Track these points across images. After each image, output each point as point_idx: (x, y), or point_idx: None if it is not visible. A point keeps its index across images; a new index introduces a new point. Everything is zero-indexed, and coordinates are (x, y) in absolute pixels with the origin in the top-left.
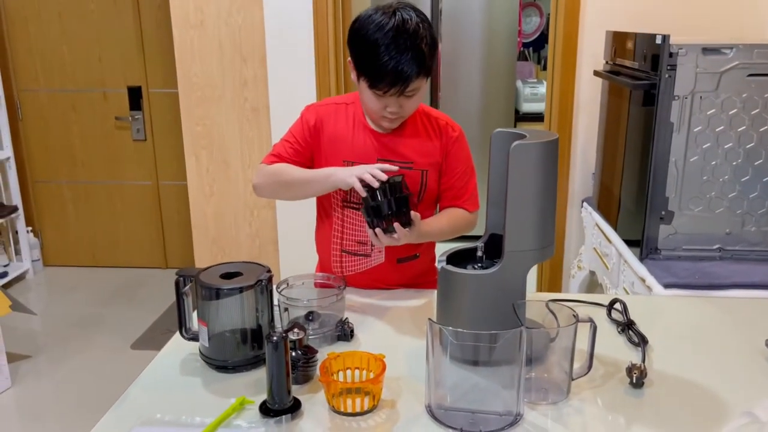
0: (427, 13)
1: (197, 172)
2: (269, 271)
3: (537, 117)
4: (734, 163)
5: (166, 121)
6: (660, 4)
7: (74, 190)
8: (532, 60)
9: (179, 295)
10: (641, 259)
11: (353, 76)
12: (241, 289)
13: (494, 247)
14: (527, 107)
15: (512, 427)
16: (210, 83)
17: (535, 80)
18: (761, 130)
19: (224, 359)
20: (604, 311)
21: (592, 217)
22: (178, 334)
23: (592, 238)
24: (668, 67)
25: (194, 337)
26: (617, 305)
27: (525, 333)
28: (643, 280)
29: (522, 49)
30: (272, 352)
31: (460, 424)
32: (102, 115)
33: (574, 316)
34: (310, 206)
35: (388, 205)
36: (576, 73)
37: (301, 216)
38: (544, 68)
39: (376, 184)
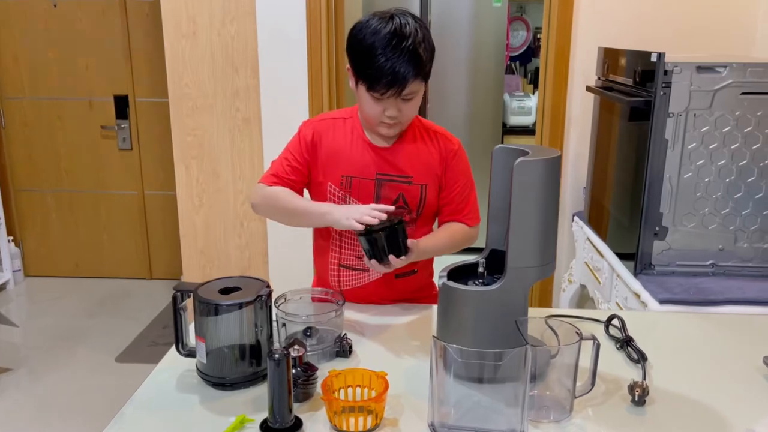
0: None
1: (186, 182)
2: (268, 286)
3: (524, 130)
4: (727, 180)
5: (153, 131)
6: (650, 21)
7: (58, 199)
8: (519, 73)
9: (176, 310)
10: (635, 274)
11: (352, 83)
12: (240, 305)
13: (495, 262)
14: (514, 120)
15: None
16: (201, 93)
17: (522, 94)
18: (754, 147)
19: (222, 376)
20: (601, 327)
21: (583, 231)
22: (173, 349)
23: (583, 252)
24: (663, 85)
25: (191, 353)
26: (615, 321)
27: (530, 351)
28: (638, 296)
29: (509, 62)
30: (274, 370)
31: None
32: (88, 124)
33: (577, 333)
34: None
35: (386, 244)
36: (567, 88)
37: (292, 228)
38: (531, 82)
39: (375, 222)
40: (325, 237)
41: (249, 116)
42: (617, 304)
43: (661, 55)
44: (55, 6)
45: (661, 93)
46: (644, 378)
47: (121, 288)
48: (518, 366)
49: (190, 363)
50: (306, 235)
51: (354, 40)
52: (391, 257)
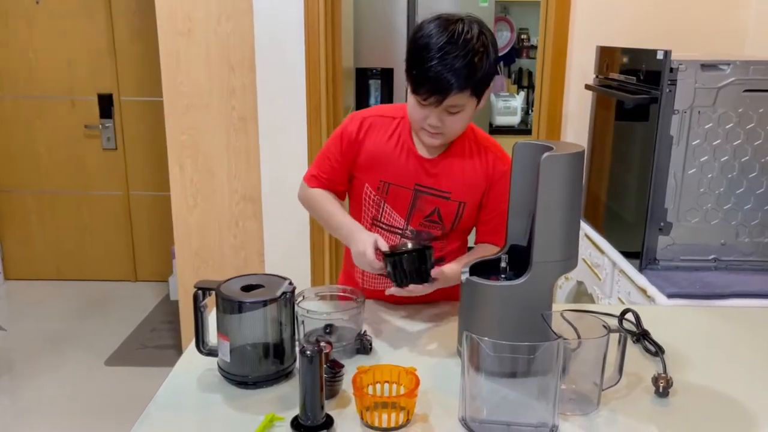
0: (402, 25)
1: (181, 182)
2: (291, 283)
3: (509, 130)
4: (729, 176)
5: (139, 130)
6: (643, 20)
7: (39, 200)
8: (503, 74)
9: (197, 309)
10: (641, 269)
11: (407, 84)
12: (264, 303)
13: (515, 258)
14: (500, 120)
15: None
16: (197, 92)
17: (507, 94)
18: (756, 144)
19: (245, 374)
20: (614, 322)
21: (581, 227)
22: (190, 349)
23: (580, 249)
24: (669, 82)
25: (211, 352)
26: (628, 315)
27: (563, 344)
28: (644, 291)
29: None
30: (307, 366)
31: None
32: (70, 123)
33: (604, 326)
34: (297, 217)
35: (409, 269)
36: (564, 86)
37: (289, 227)
38: (515, 82)
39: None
40: None
41: (245, 115)
42: (620, 299)
43: (667, 53)
44: (37, 2)
45: (667, 90)
46: (665, 370)
47: (106, 291)
48: (549, 359)
49: (210, 362)
50: (303, 235)
51: (412, 38)
52: (412, 285)
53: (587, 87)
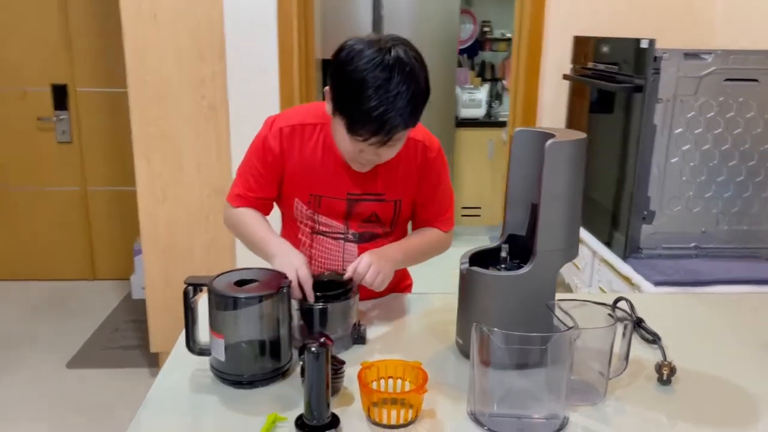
0: (368, 20)
1: (148, 175)
2: (285, 277)
3: (474, 122)
4: (710, 164)
5: (96, 122)
6: (615, 11)
7: None
8: (467, 66)
9: (187, 306)
10: (624, 258)
11: (328, 107)
12: (260, 298)
13: (512, 247)
14: (465, 113)
15: (561, 431)
16: (164, 81)
17: (472, 86)
18: (735, 132)
19: (241, 374)
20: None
21: None
22: (177, 348)
23: None
24: (653, 71)
25: (203, 351)
26: (621, 304)
27: (574, 334)
28: (628, 279)
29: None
30: (312, 364)
31: (510, 431)
32: (21, 116)
33: (610, 315)
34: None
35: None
36: (540, 77)
37: None
38: (479, 75)
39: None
40: (294, 244)
41: (215, 104)
42: (600, 288)
43: (651, 42)
44: None
45: (651, 79)
46: (665, 357)
47: (63, 290)
48: (559, 350)
49: (199, 362)
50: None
51: (341, 68)
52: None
53: (565, 77)
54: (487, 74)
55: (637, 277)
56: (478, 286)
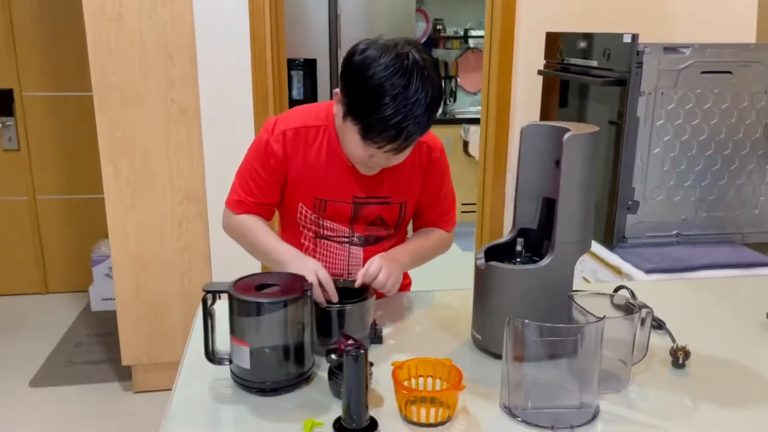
0: (324, 19)
1: (116, 182)
2: (305, 280)
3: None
4: (689, 154)
5: (44, 128)
6: (582, 4)
7: None
8: None
9: (206, 314)
10: (612, 248)
11: (338, 109)
12: (285, 303)
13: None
14: None
15: (596, 419)
16: (131, 83)
17: None
18: (711, 123)
19: (266, 380)
20: (608, 299)
21: None
22: (189, 359)
23: None
24: (636, 65)
25: (223, 360)
26: (621, 292)
27: (605, 324)
28: (616, 269)
29: None
30: (352, 366)
31: (547, 422)
32: None
33: (631, 304)
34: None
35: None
36: (513, 73)
37: None
38: None
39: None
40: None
41: (186, 107)
42: (584, 279)
43: (635, 37)
44: None
45: (635, 73)
46: (674, 342)
47: (14, 306)
48: (590, 340)
49: (216, 371)
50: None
51: (356, 73)
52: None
53: (540, 72)
54: (441, 72)
55: (626, 266)
56: (497, 281)
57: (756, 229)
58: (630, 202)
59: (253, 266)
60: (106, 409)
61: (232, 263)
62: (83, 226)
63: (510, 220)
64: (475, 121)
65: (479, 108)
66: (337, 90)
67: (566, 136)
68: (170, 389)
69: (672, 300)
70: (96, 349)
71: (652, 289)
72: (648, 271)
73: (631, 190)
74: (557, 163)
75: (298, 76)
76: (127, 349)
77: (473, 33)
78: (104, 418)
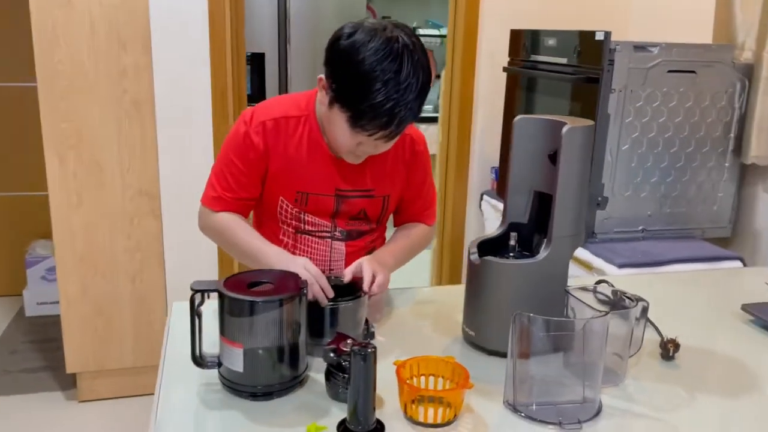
0: (273, 14)
1: (61, 177)
2: (298, 276)
3: None
4: (655, 151)
5: None
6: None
7: None
8: None
9: (194, 315)
10: (582, 244)
11: (322, 96)
12: (281, 301)
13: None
14: None
15: (600, 414)
16: (79, 72)
17: None
18: (676, 121)
19: (259, 384)
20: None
21: (495, 208)
22: (168, 365)
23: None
24: (608, 62)
25: (213, 364)
26: (602, 286)
27: (609, 318)
28: (587, 264)
29: None
30: (359, 366)
31: (552, 418)
32: None
33: (627, 297)
34: None
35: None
36: (476, 70)
37: (192, 224)
38: None
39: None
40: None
41: (139, 99)
42: None
43: (607, 34)
44: None
45: (607, 70)
46: (660, 335)
47: None
48: (595, 334)
49: (201, 375)
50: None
51: (344, 58)
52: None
53: (505, 69)
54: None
55: (597, 261)
56: (492, 276)
57: (714, 224)
58: (600, 198)
59: (210, 268)
60: (49, 419)
61: (187, 261)
62: (16, 226)
63: (473, 218)
64: (428, 120)
65: (430, 107)
66: (321, 76)
67: (565, 129)
68: (120, 397)
69: (647, 294)
70: (33, 356)
71: (628, 283)
72: (620, 266)
73: (600, 186)
74: (550, 156)
75: (246, 70)
76: (72, 355)
77: (421, 32)
78: (48, 429)
